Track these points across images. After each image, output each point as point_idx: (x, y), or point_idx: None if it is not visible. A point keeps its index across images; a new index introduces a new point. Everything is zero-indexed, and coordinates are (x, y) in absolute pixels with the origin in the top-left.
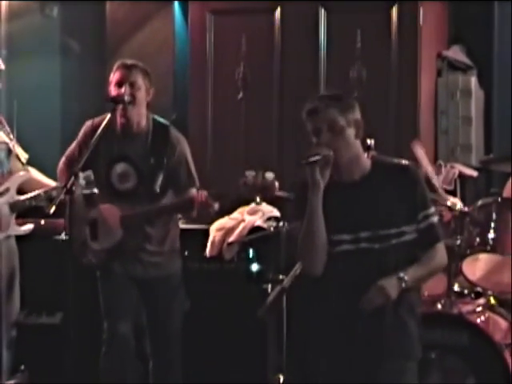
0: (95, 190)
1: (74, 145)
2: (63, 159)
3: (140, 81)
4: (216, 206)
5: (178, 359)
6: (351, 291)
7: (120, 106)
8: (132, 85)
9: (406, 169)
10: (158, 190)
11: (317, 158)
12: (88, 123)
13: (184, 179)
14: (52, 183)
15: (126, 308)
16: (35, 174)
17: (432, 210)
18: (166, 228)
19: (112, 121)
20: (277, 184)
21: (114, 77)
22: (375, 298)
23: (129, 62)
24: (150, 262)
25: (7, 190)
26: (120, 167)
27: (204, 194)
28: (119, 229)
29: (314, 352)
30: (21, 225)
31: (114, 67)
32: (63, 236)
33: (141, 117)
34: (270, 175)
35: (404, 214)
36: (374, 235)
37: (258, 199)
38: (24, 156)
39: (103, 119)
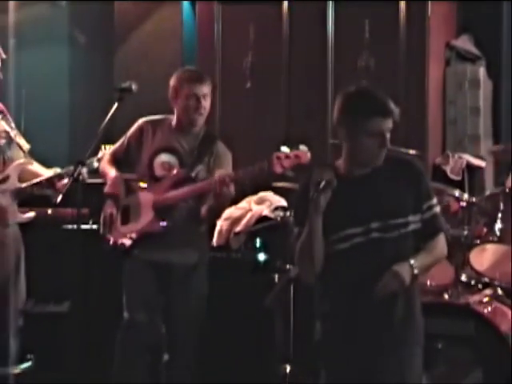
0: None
1: (122, 139)
2: (111, 151)
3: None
4: (232, 188)
5: (193, 355)
6: (364, 282)
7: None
8: (204, 97)
9: (412, 160)
10: (193, 175)
11: (324, 184)
12: (141, 121)
13: None
14: (50, 173)
15: (150, 298)
16: (35, 166)
17: (434, 200)
18: (195, 216)
19: (168, 119)
20: (309, 155)
21: (187, 88)
22: (390, 283)
23: (199, 74)
24: (179, 249)
25: (8, 177)
26: (164, 156)
27: (223, 173)
28: (151, 213)
29: (328, 342)
30: (24, 213)
31: (183, 76)
32: (92, 225)
33: None
34: (303, 147)
35: (410, 204)
36: (384, 225)
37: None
38: (26, 146)
39: (160, 118)
